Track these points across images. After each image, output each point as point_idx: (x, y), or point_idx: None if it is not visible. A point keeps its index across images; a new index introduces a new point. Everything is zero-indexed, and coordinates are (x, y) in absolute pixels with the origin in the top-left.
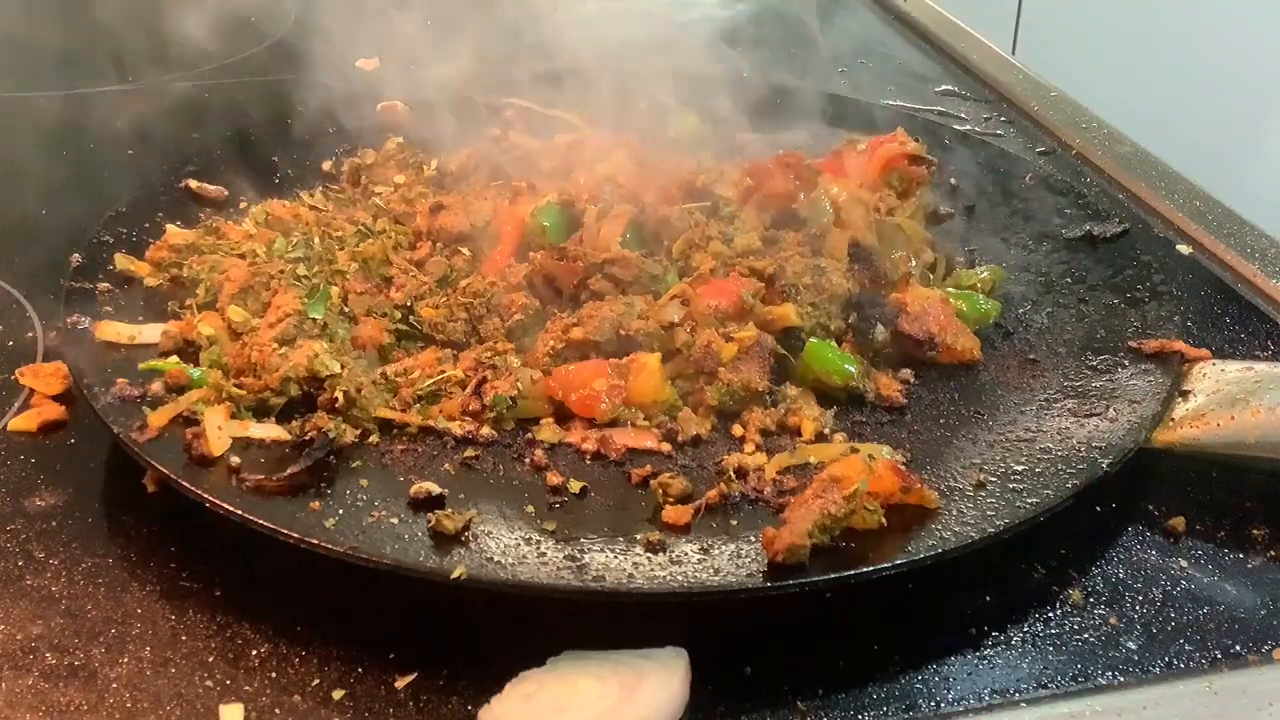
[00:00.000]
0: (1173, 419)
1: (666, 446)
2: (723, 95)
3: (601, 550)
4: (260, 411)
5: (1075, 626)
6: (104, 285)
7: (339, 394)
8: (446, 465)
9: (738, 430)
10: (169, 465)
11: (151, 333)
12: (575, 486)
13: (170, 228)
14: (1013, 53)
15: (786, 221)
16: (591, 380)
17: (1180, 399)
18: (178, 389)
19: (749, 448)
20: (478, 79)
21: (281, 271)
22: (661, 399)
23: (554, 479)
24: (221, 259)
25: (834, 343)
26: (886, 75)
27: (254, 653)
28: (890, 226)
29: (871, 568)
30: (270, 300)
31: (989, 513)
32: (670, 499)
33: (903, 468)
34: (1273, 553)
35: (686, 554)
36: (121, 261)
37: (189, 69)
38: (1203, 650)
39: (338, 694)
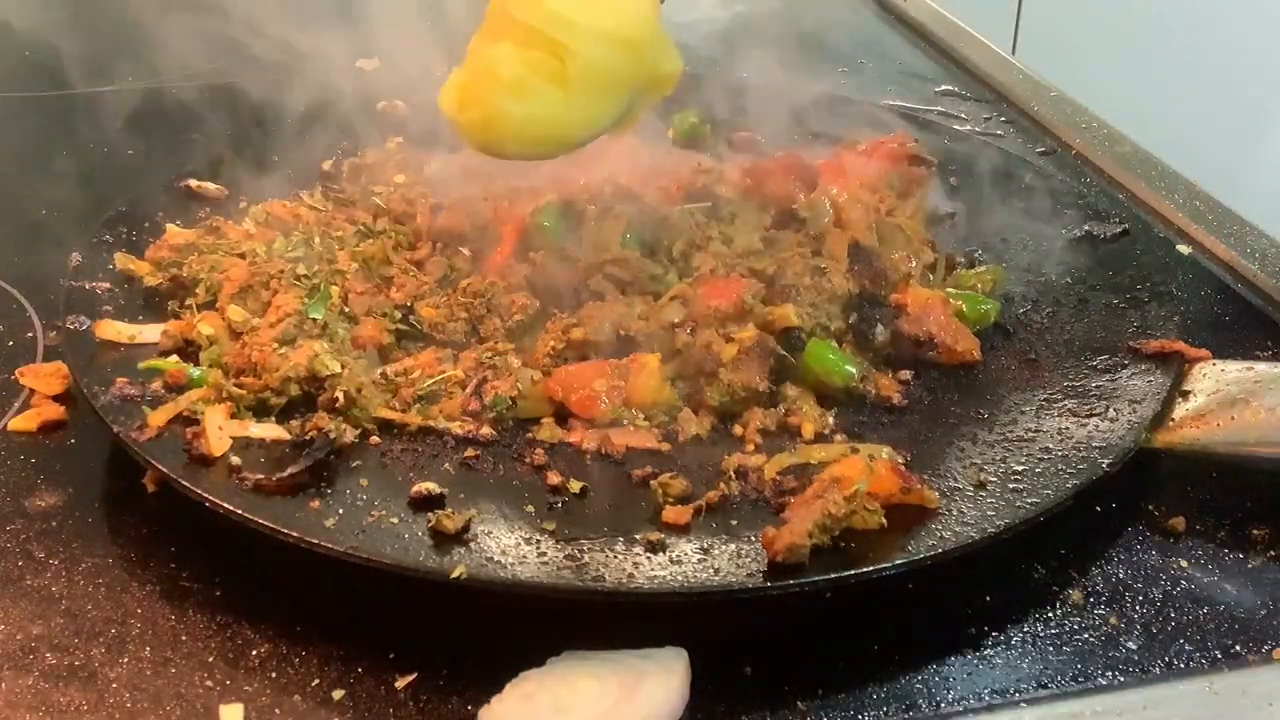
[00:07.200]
0: (1173, 419)
1: (666, 446)
2: (723, 95)
3: (601, 550)
4: (260, 411)
5: (1075, 626)
6: (104, 285)
7: (339, 394)
8: (446, 465)
9: (738, 430)
10: (169, 465)
11: (151, 332)
12: (575, 486)
13: (170, 227)
14: (1013, 53)
15: (786, 222)
16: (591, 380)
17: (1180, 399)
18: (178, 389)
19: (749, 448)
20: None
21: (281, 271)
22: (661, 399)
23: (554, 479)
24: (221, 259)
25: (834, 343)
26: (886, 75)
27: (254, 653)
28: (890, 226)
29: (871, 568)
30: (270, 300)
31: (989, 513)
32: (670, 499)
33: (903, 468)
34: (1273, 553)
35: (686, 554)
36: (121, 261)
37: (189, 68)
38: (1203, 650)
39: (338, 694)
